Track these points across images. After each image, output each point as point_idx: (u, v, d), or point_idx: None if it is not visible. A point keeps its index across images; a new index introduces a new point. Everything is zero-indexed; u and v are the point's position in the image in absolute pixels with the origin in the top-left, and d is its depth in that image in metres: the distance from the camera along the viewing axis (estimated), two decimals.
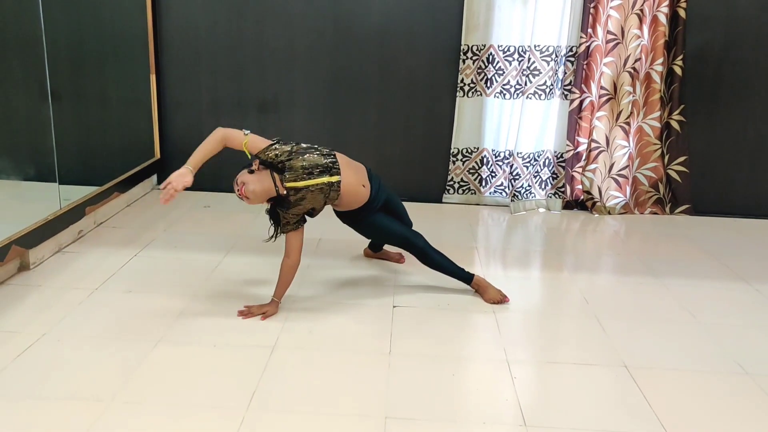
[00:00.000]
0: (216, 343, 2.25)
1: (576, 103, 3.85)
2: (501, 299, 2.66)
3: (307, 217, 2.57)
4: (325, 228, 3.47)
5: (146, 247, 3.13)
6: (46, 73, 2.96)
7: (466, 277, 2.72)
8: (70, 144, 3.24)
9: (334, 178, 2.47)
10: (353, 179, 2.54)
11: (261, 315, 2.45)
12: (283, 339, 2.30)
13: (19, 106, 3.29)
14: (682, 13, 3.70)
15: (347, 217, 2.70)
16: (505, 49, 3.82)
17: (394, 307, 2.59)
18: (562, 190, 4.01)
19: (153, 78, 3.92)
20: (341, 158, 2.55)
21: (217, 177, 4.12)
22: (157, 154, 4.07)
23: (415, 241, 2.68)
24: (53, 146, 3.03)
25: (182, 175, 2.41)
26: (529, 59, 3.78)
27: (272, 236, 2.58)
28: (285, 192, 2.43)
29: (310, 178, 2.43)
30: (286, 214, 2.47)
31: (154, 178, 4.12)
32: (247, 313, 2.47)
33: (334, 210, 2.71)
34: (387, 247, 3.13)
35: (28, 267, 2.76)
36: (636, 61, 3.78)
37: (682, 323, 2.56)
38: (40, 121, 3.06)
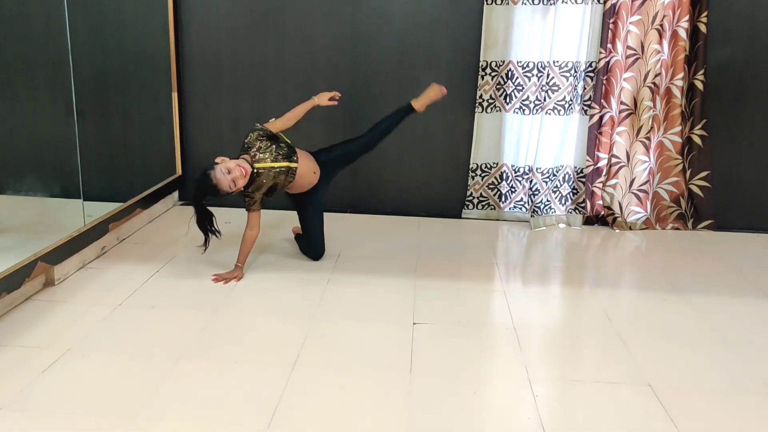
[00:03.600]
0: (237, 360, 2.26)
1: (596, 118, 3.84)
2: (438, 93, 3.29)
3: (266, 198, 3.06)
4: (343, 244, 3.49)
5: (168, 263, 3.16)
6: (72, 93, 3.02)
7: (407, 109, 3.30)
8: (94, 161, 3.29)
9: (293, 165, 3.01)
10: (306, 167, 3.09)
11: (234, 279, 2.94)
12: (304, 356, 2.31)
13: (46, 125, 3.36)
14: (702, 27, 3.68)
15: (297, 198, 3.21)
16: (525, 65, 3.82)
17: (414, 324, 2.59)
18: (583, 205, 3.99)
19: (175, 96, 3.98)
20: (298, 150, 3.11)
21: (237, 194, 4.17)
22: (179, 171, 4.11)
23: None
24: (78, 164, 3.08)
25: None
26: (548, 75, 3.78)
27: (205, 245, 3.01)
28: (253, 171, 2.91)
29: (275, 162, 2.97)
30: (251, 194, 2.96)
31: (176, 194, 4.17)
32: (218, 278, 2.94)
33: (286, 192, 3.17)
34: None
35: (53, 283, 2.80)
36: (656, 76, 3.77)
37: (707, 341, 2.52)
38: (66, 139, 3.12)
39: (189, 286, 2.91)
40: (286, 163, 3.00)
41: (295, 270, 3.14)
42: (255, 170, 2.93)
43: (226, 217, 3.94)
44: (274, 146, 3.02)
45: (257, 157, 2.97)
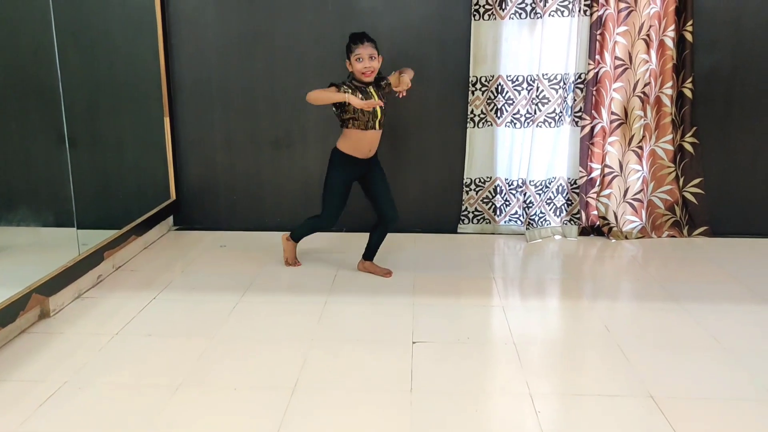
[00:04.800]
0: (236, 386, 2.25)
1: (587, 129, 3.85)
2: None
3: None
4: (339, 264, 3.48)
5: (164, 290, 3.15)
6: (63, 121, 3.02)
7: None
8: (87, 189, 3.29)
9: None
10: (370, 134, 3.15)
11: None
12: (304, 380, 2.29)
13: (38, 154, 3.36)
14: (688, 36, 3.71)
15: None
16: (514, 79, 3.84)
17: (413, 342, 2.57)
18: (578, 216, 4.00)
19: (167, 121, 3.98)
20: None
21: (231, 216, 4.17)
22: (173, 196, 4.11)
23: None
24: (71, 192, 3.07)
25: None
26: (538, 88, 3.80)
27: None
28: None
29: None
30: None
31: (170, 219, 4.16)
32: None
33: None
34: (377, 261, 3.41)
35: (48, 314, 2.78)
36: (645, 85, 3.79)
37: (707, 350, 2.52)
38: (58, 167, 3.12)
39: (186, 312, 2.89)
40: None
41: (291, 292, 3.13)
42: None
43: (220, 241, 3.94)
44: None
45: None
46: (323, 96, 3.00)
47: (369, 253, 3.38)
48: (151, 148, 3.99)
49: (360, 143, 3.13)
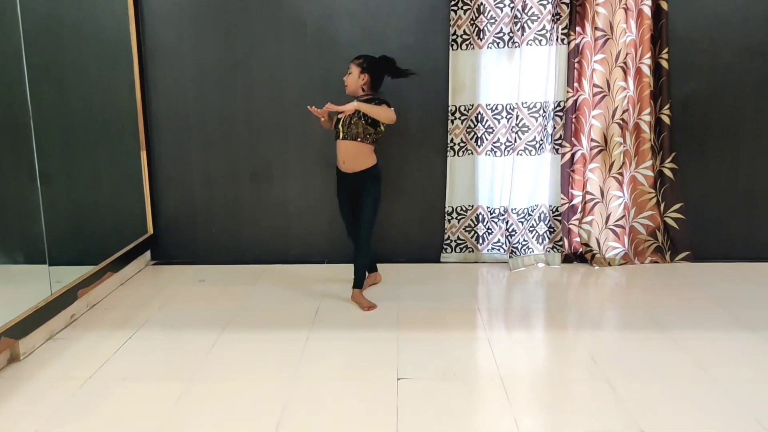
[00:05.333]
0: (216, 430, 2.16)
1: (567, 156, 3.85)
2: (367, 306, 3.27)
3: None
4: (322, 297, 3.42)
5: (141, 328, 3.06)
6: (34, 156, 2.95)
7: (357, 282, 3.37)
8: (60, 225, 3.20)
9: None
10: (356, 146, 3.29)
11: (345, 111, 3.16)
12: (286, 420, 2.21)
13: (8, 190, 3.26)
14: (664, 64, 3.75)
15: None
16: (493, 108, 3.84)
17: (398, 379, 2.51)
18: (560, 243, 3.98)
19: (144, 155, 3.92)
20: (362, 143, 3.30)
21: (210, 250, 4.10)
22: (150, 230, 4.03)
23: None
24: (42, 229, 2.99)
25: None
26: (517, 116, 3.80)
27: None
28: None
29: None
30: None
31: (148, 254, 4.07)
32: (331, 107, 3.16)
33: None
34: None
35: (18, 358, 2.68)
36: (624, 112, 3.81)
37: (694, 380, 2.49)
38: (29, 204, 3.03)
39: (163, 351, 2.80)
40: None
41: (273, 328, 3.05)
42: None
43: (199, 275, 3.86)
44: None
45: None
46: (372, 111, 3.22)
47: (355, 281, 3.38)
48: (128, 182, 3.92)
49: (338, 154, 3.33)
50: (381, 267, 3.85)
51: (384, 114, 3.17)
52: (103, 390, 2.46)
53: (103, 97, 3.68)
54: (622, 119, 3.82)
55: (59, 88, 3.34)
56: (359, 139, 3.23)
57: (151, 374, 2.59)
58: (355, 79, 3.29)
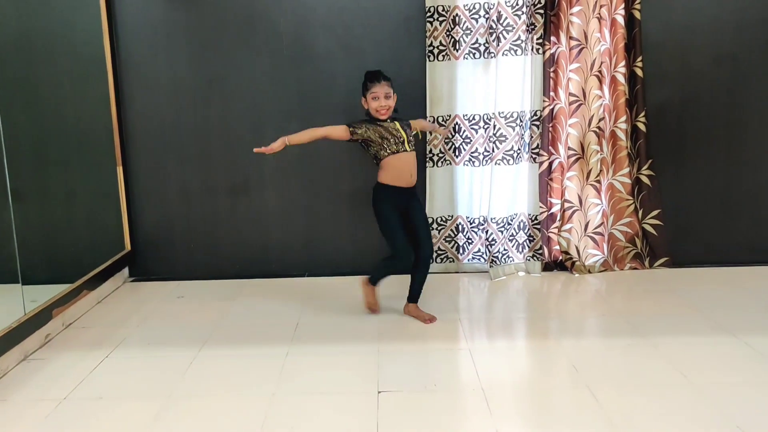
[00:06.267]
0: None
1: (545, 165, 3.87)
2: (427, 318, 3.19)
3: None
4: (302, 311, 3.39)
5: (118, 347, 3.01)
6: (5, 174, 2.90)
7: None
8: (34, 243, 3.15)
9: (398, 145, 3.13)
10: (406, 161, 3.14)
11: (271, 150, 2.96)
12: None
13: None
14: (639, 72, 3.79)
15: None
16: (471, 118, 3.86)
17: (379, 392, 2.49)
18: (540, 252, 3.99)
19: (120, 170, 3.88)
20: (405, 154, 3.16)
21: (188, 265, 4.05)
22: (128, 246, 3.98)
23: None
24: (15, 248, 2.93)
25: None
26: (494, 126, 3.81)
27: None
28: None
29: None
30: (358, 126, 3.10)
31: (126, 271, 4.02)
32: (260, 150, 2.98)
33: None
34: (421, 305, 3.31)
35: None
36: (600, 120, 3.84)
37: (675, 386, 2.49)
38: (1, 222, 2.98)
39: (141, 370, 2.76)
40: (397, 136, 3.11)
41: (252, 343, 3.02)
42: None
43: (177, 291, 3.82)
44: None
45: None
46: (307, 136, 3.06)
47: (411, 296, 3.30)
48: (104, 199, 3.87)
49: (399, 170, 3.10)
50: (361, 280, 3.83)
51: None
52: (79, 410, 2.41)
53: (77, 113, 3.64)
54: (599, 127, 3.85)
55: (31, 104, 3.29)
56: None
57: (128, 393, 2.55)
58: (393, 102, 3.11)
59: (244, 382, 2.62)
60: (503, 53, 3.74)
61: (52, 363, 2.84)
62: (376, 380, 2.59)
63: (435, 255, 4.02)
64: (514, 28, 3.72)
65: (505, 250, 3.95)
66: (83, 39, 3.69)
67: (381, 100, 3.06)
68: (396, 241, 3.10)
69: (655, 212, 3.96)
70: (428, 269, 3.26)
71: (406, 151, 3.10)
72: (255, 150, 3.02)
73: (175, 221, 4.03)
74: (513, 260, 3.98)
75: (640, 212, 3.98)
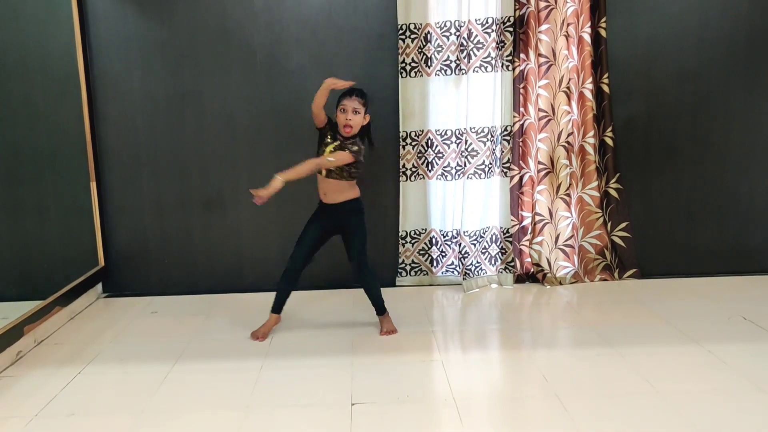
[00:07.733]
0: None
1: (516, 179, 3.95)
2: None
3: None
4: (276, 326, 3.40)
5: (91, 363, 2.99)
6: None
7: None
8: (6, 259, 3.14)
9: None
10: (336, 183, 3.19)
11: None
12: None
13: None
14: (605, 88, 3.89)
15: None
16: (443, 133, 3.92)
17: (352, 404, 2.51)
18: (512, 264, 4.05)
19: (93, 186, 3.87)
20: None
21: (163, 281, 4.04)
22: (101, 262, 3.96)
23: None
24: None
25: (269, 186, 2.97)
26: (466, 141, 3.88)
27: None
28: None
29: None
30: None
31: (99, 286, 4.00)
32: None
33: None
34: (394, 318, 3.37)
35: None
36: (569, 135, 3.93)
37: (643, 395, 2.55)
38: None
39: (113, 387, 2.75)
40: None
41: (226, 358, 3.03)
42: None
43: (152, 307, 3.81)
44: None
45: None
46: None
47: (376, 309, 3.33)
48: (77, 214, 3.85)
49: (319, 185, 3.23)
50: (337, 293, 3.88)
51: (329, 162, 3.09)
52: (49, 428, 2.40)
53: (49, 128, 3.64)
54: (568, 142, 3.94)
55: (3, 119, 3.29)
56: (337, 177, 3.16)
57: (101, 409, 2.54)
58: (361, 120, 3.09)
59: (217, 397, 2.62)
60: (474, 70, 3.82)
61: (24, 380, 2.82)
62: (349, 392, 2.62)
63: (409, 268, 4.07)
64: (484, 45, 3.80)
65: (478, 262, 4.01)
66: (56, 54, 3.69)
67: (348, 113, 3.05)
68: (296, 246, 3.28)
69: (623, 224, 4.05)
70: (367, 285, 3.31)
71: (319, 174, 3.17)
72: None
73: (149, 236, 4.02)
74: (486, 273, 4.04)
75: (609, 225, 4.07)
